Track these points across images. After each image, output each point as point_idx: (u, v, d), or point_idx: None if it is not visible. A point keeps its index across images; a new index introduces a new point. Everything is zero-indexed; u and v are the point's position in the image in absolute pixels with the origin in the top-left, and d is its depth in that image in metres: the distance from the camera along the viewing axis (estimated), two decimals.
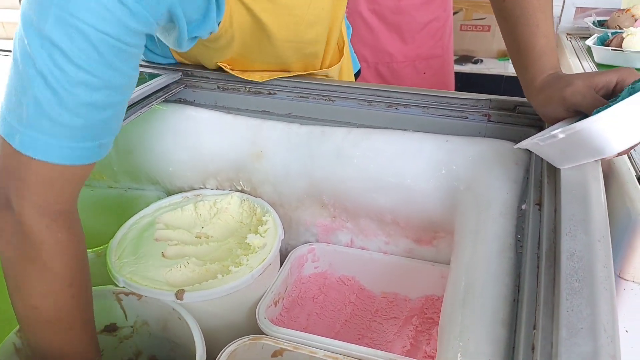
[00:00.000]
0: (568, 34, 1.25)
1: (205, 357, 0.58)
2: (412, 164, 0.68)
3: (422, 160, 0.67)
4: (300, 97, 0.76)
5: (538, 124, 0.65)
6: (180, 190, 0.84)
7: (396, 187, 0.69)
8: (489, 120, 0.68)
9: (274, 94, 0.77)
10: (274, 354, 0.62)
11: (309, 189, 0.75)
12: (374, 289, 0.80)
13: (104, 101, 0.49)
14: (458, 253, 0.56)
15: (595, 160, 0.53)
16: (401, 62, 1.49)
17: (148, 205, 0.83)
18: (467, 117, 0.69)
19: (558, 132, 0.48)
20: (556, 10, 1.61)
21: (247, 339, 0.61)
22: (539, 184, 0.54)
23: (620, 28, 1.09)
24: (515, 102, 0.67)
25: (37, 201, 0.49)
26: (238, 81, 0.79)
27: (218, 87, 0.80)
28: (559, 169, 0.52)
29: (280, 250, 0.83)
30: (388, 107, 0.72)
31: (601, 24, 1.16)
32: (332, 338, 0.73)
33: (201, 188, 0.83)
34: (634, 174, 0.59)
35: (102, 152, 0.52)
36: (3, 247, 0.51)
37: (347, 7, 0.80)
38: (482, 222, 0.57)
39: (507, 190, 0.59)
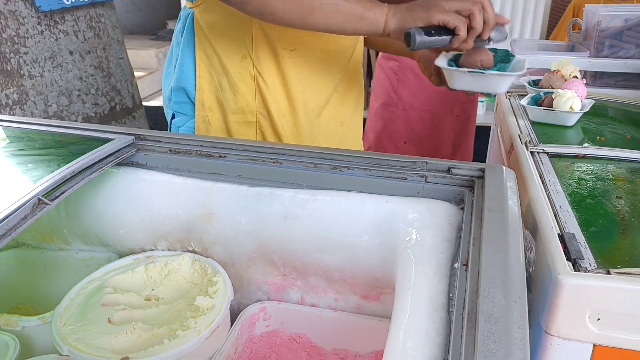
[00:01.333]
0: (507, 92, 1.35)
1: None
2: (355, 223, 0.71)
3: (365, 220, 0.71)
4: (250, 159, 0.79)
5: (469, 184, 0.70)
6: (131, 252, 0.84)
7: (341, 247, 0.71)
8: (426, 181, 0.72)
9: (225, 156, 0.80)
10: None
11: (259, 248, 0.77)
12: (325, 345, 0.81)
13: None
14: (397, 312, 0.58)
15: (518, 221, 0.57)
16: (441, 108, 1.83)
17: (99, 267, 0.82)
18: (406, 178, 0.73)
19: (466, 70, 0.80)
20: None
21: None
22: (467, 244, 0.58)
23: (552, 88, 1.18)
24: (449, 165, 0.72)
25: None
26: (189, 144, 0.82)
27: (170, 150, 0.82)
28: (484, 226, 0.56)
29: (233, 309, 0.83)
30: (332, 169, 0.75)
31: (536, 83, 1.25)
32: None
33: (152, 249, 0.83)
34: (556, 232, 0.64)
35: None
36: None
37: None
38: (419, 281, 0.60)
39: (442, 249, 0.63)
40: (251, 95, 0.94)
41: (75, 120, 1.83)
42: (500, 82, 0.80)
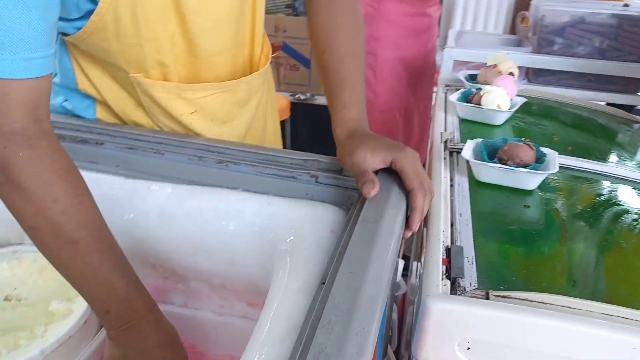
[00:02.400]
0: (447, 86, 1.29)
1: None
2: (233, 225, 0.64)
3: (244, 222, 0.64)
4: (129, 148, 0.71)
5: None
6: None
7: (217, 250, 0.65)
8: (316, 182, 0.66)
9: (102, 143, 0.72)
10: None
11: (133, 248, 0.69)
12: (209, 351, 0.74)
13: None
14: (254, 333, 0.52)
15: (393, 235, 0.51)
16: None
17: None
18: (295, 178, 0.66)
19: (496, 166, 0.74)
20: (438, 61, 1.68)
21: None
22: (334, 258, 0.52)
23: (488, 83, 1.12)
24: (340, 165, 0.65)
25: None
26: (64, 127, 0.73)
27: None
28: (350, 243, 0.50)
29: None
30: (218, 163, 0.68)
31: (473, 78, 1.20)
32: None
33: (20, 244, 0.75)
34: (442, 244, 0.58)
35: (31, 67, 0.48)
36: None
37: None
38: (284, 297, 0.54)
39: (316, 261, 0.56)
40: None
41: None
42: (530, 179, 0.74)
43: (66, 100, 0.78)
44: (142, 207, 0.68)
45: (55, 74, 0.77)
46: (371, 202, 0.56)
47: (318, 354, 0.38)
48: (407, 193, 0.58)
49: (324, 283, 0.49)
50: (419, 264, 0.65)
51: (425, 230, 0.67)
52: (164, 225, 0.66)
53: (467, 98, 1.05)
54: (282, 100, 2.74)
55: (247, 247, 0.64)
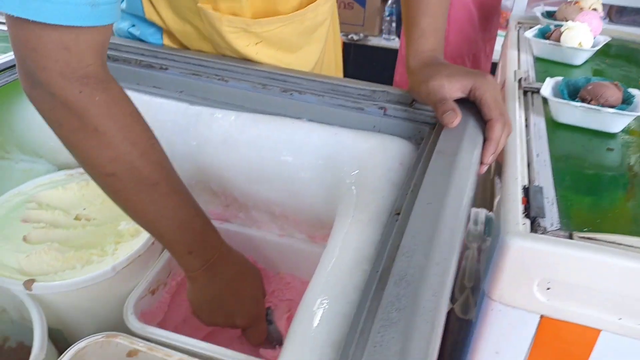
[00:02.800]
0: (519, 23, 1.20)
1: (44, 356, 0.53)
2: (298, 155, 0.62)
3: (309, 152, 0.62)
4: (194, 74, 0.70)
5: (432, 121, 0.61)
6: (66, 167, 0.78)
7: (280, 179, 0.64)
8: (384, 114, 0.63)
9: (166, 68, 0.71)
10: (129, 354, 0.57)
11: (197, 175, 0.69)
12: (271, 268, 0.75)
13: None
14: (322, 262, 0.51)
15: (470, 169, 0.49)
16: None
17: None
18: (362, 109, 0.63)
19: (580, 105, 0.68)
20: None
21: (101, 336, 0.56)
22: (407, 189, 0.50)
23: (567, 20, 1.03)
24: (412, 97, 0.62)
25: (59, 68, 0.43)
26: (129, 52, 0.72)
27: (108, 57, 0.73)
28: (426, 175, 0.47)
29: None
30: (282, 91, 0.66)
31: (550, 14, 1.10)
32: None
33: None
34: (521, 183, 0.55)
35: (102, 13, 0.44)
36: (52, 125, 0.47)
37: None
38: (352, 227, 0.53)
39: (384, 194, 0.55)
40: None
41: None
42: (616, 121, 0.68)
43: (133, 25, 0.77)
44: (206, 133, 0.67)
45: (122, 0, 0.76)
46: (447, 133, 0.53)
47: (398, 280, 0.37)
48: (484, 124, 0.55)
49: (398, 214, 0.47)
50: (480, 210, 0.62)
51: (495, 175, 0.64)
52: (227, 152, 0.66)
53: (544, 35, 0.97)
54: None
55: (311, 178, 0.62)
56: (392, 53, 2.79)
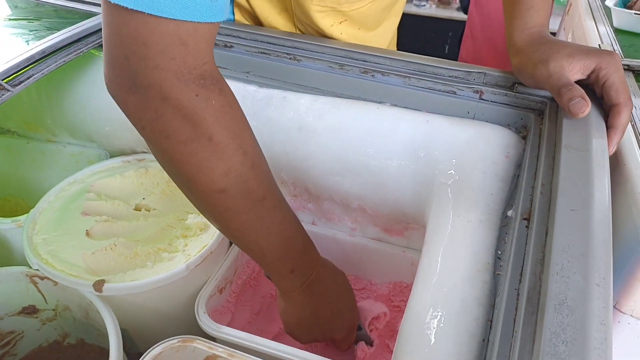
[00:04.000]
0: None
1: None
2: (385, 144, 0.57)
3: (397, 141, 0.56)
4: (262, 53, 0.64)
5: (538, 107, 0.54)
6: (121, 153, 0.73)
7: (364, 170, 0.58)
8: (480, 99, 0.56)
9: (231, 47, 0.65)
10: (207, 359, 0.54)
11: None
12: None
13: None
14: (425, 267, 0.46)
15: (606, 166, 0.43)
16: None
17: (90, 164, 0.72)
18: (455, 93, 0.57)
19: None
20: None
21: (177, 340, 0.53)
22: (531, 189, 0.44)
23: None
24: (514, 79, 0.55)
25: (175, 67, 0.36)
26: None
27: None
28: (559, 169, 0.41)
29: None
30: (363, 73, 0.60)
31: None
32: None
33: (144, 152, 0.72)
34: None
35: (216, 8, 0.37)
36: (156, 137, 0.38)
37: None
38: (458, 229, 0.47)
39: (492, 190, 0.49)
40: None
41: None
42: None
43: None
44: (277, 119, 0.61)
45: None
46: (570, 123, 0.47)
47: (558, 306, 0.31)
48: (606, 109, 0.49)
49: (526, 219, 0.42)
50: None
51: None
52: (303, 140, 0.60)
53: (625, 4, 0.88)
54: None
55: (399, 170, 0.57)
56: (423, 20, 2.68)
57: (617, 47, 0.82)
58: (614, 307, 0.45)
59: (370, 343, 0.60)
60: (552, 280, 0.33)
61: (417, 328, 0.41)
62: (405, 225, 0.64)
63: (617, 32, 0.88)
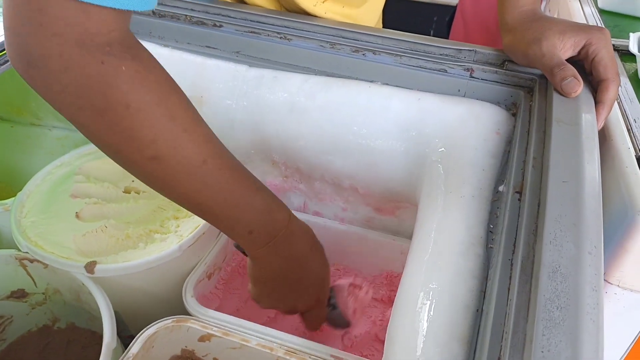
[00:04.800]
0: None
1: (115, 345, 0.49)
2: (376, 123, 0.57)
3: (388, 119, 0.57)
4: (252, 32, 0.63)
5: (528, 84, 0.55)
6: None
7: (356, 150, 0.58)
8: (471, 76, 0.57)
9: (220, 26, 0.64)
10: (201, 339, 0.54)
11: (257, 144, 0.64)
12: (328, 258, 0.71)
13: None
14: (419, 241, 0.47)
15: (595, 139, 0.43)
16: None
17: (76, 147, 0.71)
18: (445, 71, 0.57)
19: None
20: None
21: (170, 320, 0.53)
22: (522, 164, 0.45)
23: None
24: (504, 57, 0.56)
25: (75, 35, 0.34)
26: (178, 7, 0.65)
27: (154, 12, 0.66)
28: (550, 143, 0.42)
29: None
30: (354, 51, 0.60)
31: None
32: (276, 312, 0.66)
33: None
34: (633, 153, 0.49)
35: None
36: (68, 110, 0.37)
37: None
38: (450, 204, 0.48)
39: (484, 166, 0.50)
40: None
41: None
42: None
43: None
44: (268, 99, 0.61)
45: None
46: (560, 99, 0.47)
47: (552, 274, 0.32)
48: (594, 84, 0.49)
49: (518, 192, 0.42)
50: None
51: None
52: (294, 120, 0.60)
53: None
54: None
55: (391, 149, 0.57)
56: (408, 5, 2.67)
57: None
58: (603, 278, 0.46)
59: (345, 325, 0.59)
60: (546, 249, 0.34)
61: (412, 301, 0.42)
62: (397, 204, 0.64)
63: (602, 12, 0.89)
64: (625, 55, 0.72)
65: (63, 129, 0.78)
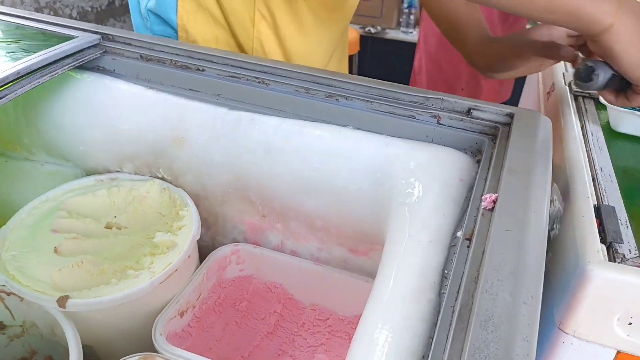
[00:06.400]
0: None
1: None
2: (346, 166, 0.59)
3: (358, 162, 0.58)
4: (232, 76, 0.66)
5: (492, 132, 0.56)
6: (94, 172, 0.75)
7: (327, 191, 0.60)
8: (438, 123, 0.59)
9: (203, 70, 0.67)
10: None
11: (234, 183, 0.66)
12: (303, 299, 0.72)
13: None
14: (377, 286, 0.48)
15: (546, 188, 0.45)
16: None
17: (65, 182, 0.73)
18: (414, 117, 0.59)
19: None
20: None
21: (137, 357, 0.54)
22: (476, 211, 0.46)
23: None
24: (469, 105, 0.58)
25: None
26: (164, 51, 0.69)
27: (141, 56, 0.69)
28: (499, 196, 0.43)
29: (207, 246, 0.75)
30: (327, 97, 0.62)
31: None
32: (250, 352, 0.67)
33: (117, 171, 0.73)
34: (592, 203, 0.50)
35: None
36: None
37: None
38: (410, 249, 0.49)
39: (445, 211, 0.51)
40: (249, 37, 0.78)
41: (70, 14, 1.68)
42: None
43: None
44: (245, 140, 0.63)
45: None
46: (515, 148, 0.49)
47: (484, 323, 0.33)
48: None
49: (468, 239, 0.43)
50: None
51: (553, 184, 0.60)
52: (270, 161, 0.62)
53: None
54: (352, 33, 2.60)
55: (360, 190, 0.59)
56: (410, 46, 2.73)
57: None
58: (558, 327, 0.46)
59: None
60: (481, 297, 0.35)
61: (366, 343, 0.43)
62: (370, 246, 0.65)
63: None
64: (599, 104, 0.74)
65: (54, 165, 0.80)
